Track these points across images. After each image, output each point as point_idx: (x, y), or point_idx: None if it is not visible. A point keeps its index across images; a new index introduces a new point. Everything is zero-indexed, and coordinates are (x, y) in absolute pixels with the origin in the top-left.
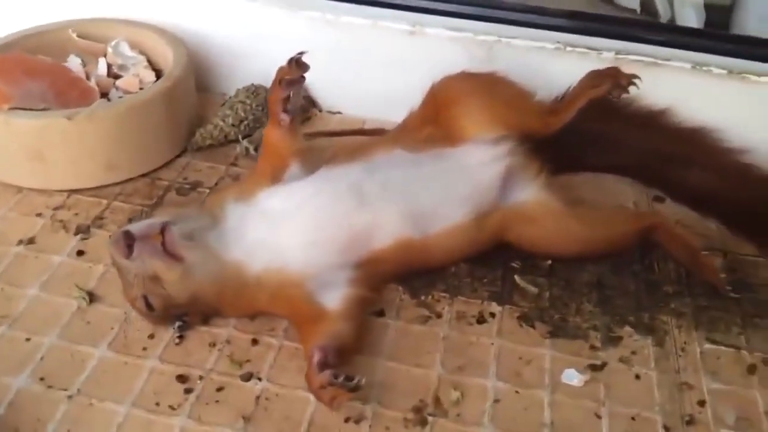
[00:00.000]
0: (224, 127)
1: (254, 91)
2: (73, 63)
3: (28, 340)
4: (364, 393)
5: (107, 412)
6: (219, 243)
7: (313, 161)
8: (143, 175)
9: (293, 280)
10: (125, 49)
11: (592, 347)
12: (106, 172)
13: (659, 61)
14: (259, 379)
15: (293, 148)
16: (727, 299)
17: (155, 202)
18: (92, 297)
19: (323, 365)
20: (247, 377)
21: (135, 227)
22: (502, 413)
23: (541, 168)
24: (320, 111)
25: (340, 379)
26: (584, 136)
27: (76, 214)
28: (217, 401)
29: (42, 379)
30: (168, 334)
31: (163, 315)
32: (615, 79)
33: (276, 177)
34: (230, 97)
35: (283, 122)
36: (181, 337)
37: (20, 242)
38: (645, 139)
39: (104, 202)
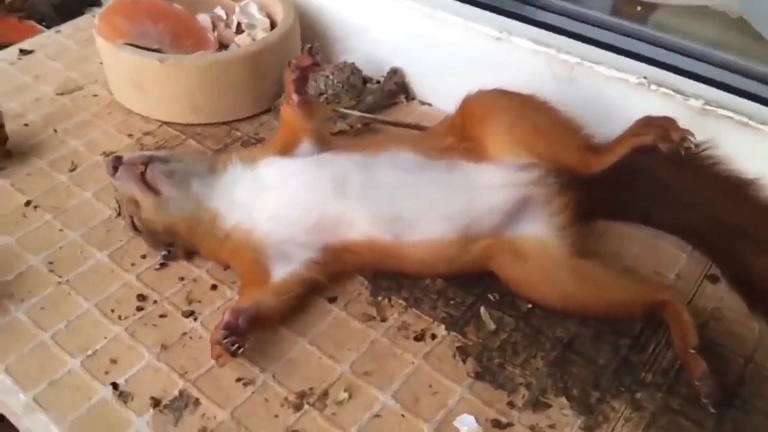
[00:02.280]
0: None
1: (341, 68)
2: (203, 18)
3: (60, 230)
4: (267, 363)
5: (75, 304)
6: (204, 190)
7: (326, 143)
8: (224, 123)
9: (254, 244)
10: (254, 9)
11: (510, 403)
12: (191, 113)
13: (754, 124)
14: (195, 320)
15: (305, 127)
16: (708, 412)
17: (220, 147)
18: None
19: (228, 325)
20: (188, 314)
21: (128, 155)
22: (374, 429)
23: (566, 206)
24: (410, 99)
25: (227, 341)
26: (649, 183)
27: (157, 142)
28: (154, 325)
29: (51, 263)
30: (156, 259)
31: (152, 240)
32: (664, 131)
33: (285, 151)
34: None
35: (292, 101)
36: (163, 264)
37: (103, 153)
38: (722, 207)
39: (182, 137)
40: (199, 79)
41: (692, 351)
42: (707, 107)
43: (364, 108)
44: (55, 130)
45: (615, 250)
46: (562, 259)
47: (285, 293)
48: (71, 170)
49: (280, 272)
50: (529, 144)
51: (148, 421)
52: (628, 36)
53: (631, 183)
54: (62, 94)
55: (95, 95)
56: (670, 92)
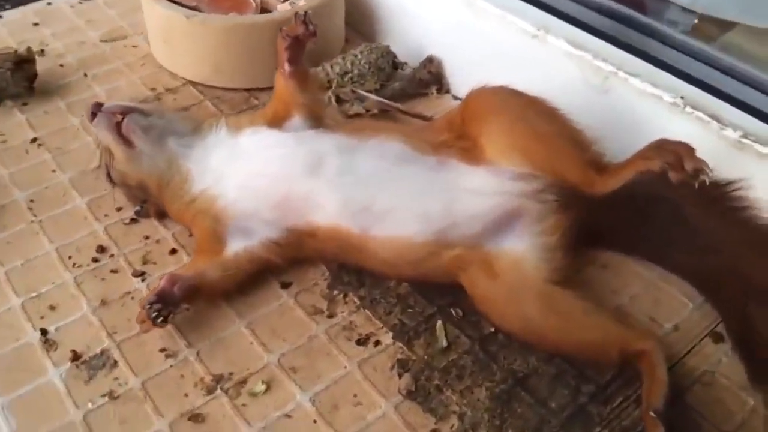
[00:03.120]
0: (330, 73)
1: (371, 49)
2: None
3: (53, 171)
4: (196, 338)
5: (38, 245)
6: (180, 150)
7: (318, 120)
8: (246, 90)
9: (216, 212)
10: None
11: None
12: (213, 74)
13: None
14: (143, 281)
15: (297, 100)
16: None
17: (234, 113)
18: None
19: (162, 291)
20: (138, 274)
21: (110, 102)
22: (282, 428)
23: (560, 228)
24: (442, 92)
25: (152, 309)
26: (671, 217)
27: (175, 99)
28: (103, 279)
29: (32, 201)
30: (129, 213)
31: (127, 193)
32: (677, 158)
33: (275, 122)
34: (353, 50)
35: (283, 71)
36: (134, 219)
37: None
38: (746, 259)
39: (201, 98)
40: (223, 39)
41: (652, 414)
42: (744, 140)
43: (389, 94)
44: (85, 74)
45: (612, 286)
46: (533, 281)
47: (232, 269)
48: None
49: (235, 247)
50: (528, 151)
51: (62, 373)
52: (674, 48)
53: (649, 214)
54: (105, 41)
55: (135, 46)
56: (706, 117)
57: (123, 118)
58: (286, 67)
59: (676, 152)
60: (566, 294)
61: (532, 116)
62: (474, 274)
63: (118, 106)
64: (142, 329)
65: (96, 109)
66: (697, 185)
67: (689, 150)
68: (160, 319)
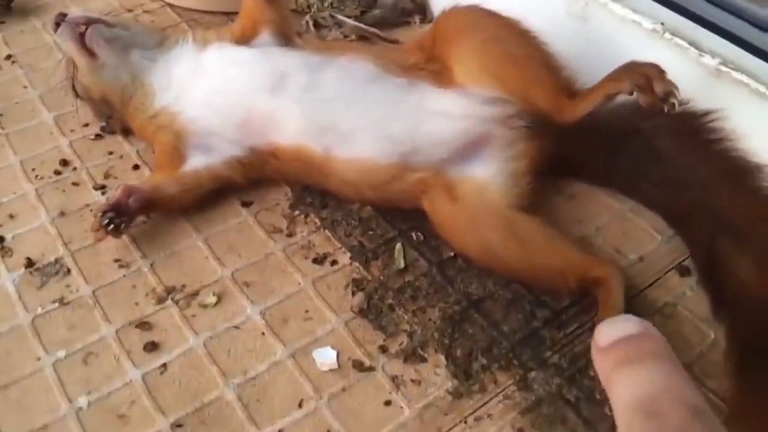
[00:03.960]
0: None
1: None
2: None
3: (24, 87)
4: (151, 250)
5: (3, 156)
6: (144, 63)
7: (288, 39)
8: (225, 13)
9: (178, 128)
10: None
11: (382, 347)
12: None
13: None
14: (103, 194)
15: (265, 15)
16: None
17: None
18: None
19: (116, 202)
20: (99, 187)
21: (74, 13)
22: (224, 341)
23: (528, 154)
24: (426, 22)
25: (104, 216)
26: (643, 149)
27: (152, 20)
28: (63, 191)
29: (1, 115)
30: (95, 129)
31: (93, 108)
32: (646, 81)
33: (243, 39)
34: None
35: None
36: (99, 135)
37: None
38: (717, 191)
39: (178, 20)
40: None
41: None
42: (722, 68)
43: (369, 21)
44: None
45: (579, 216)
46: (497, 205)
47: (190, 184)
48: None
49: (195, 163)
50: (498, 73)
51: (15, 279)
52: None
53: (620, 145)
54: None
55: None
56: (685, 44)
57: (87, 29)
58: None
59: (645, 74)
60: (529, 220)
61: (505, 37)
62: (435, 198)
63: (83, 16)
64: (95, 238)
65: (60, 19)
66: (666, 110)
67: (659, 72)
68: (112, 226)
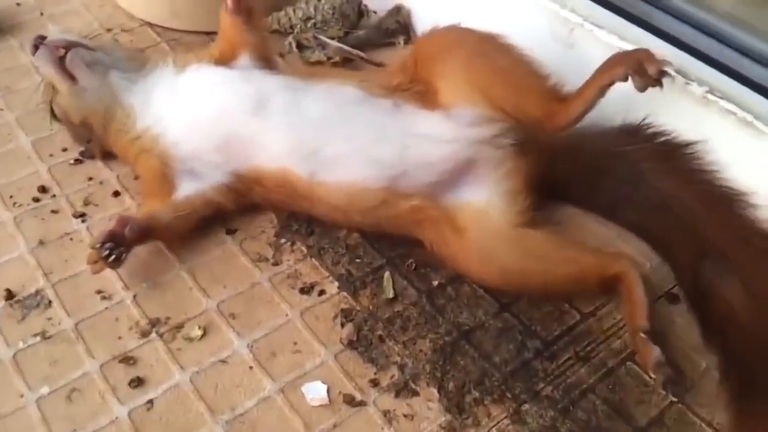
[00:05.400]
0: (292, 18)
1: None
2: None
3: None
4: (134, 281)
5: None
6: (123, 85)
7: (268, 61)
8: (206, 33)
9: (161, 152)
10: None
11: (374, 381)
12: (171, 17)
13: (759, 125)
14: (84, 222)
15: (244, 38)
16: None
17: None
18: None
19: (112, 233)
20: (79, 215)
21: (53, 36)
22: (211, 376)
23: (519, 172)
24: (408, 42)
25: (105, 249)
26: (627, 171)
27: (131, 40)
28: (42, 219)
29: None
30: (74, 154)
31: (72, 132)
32: (638, 64)
33: (222, 61)
34: None
35: (227, 6)
36: (78, 160)
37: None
38: (700, 217)
39: (157, 40)
40: None
41: (643, 335)
42: (710, 96)
43: (353, 42)
44: (42, 13)
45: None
46: (503, 229)
47: (183, 211)
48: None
49: (186, 189)
50: (486, 88)
51: None
52: (644, 0)
53: (605, 168)
54: None
55: None
56: (671, 72)
57: (66, 53)
58: (229, 1)
59: (636, 59)
60: (536, 235)
61: (488, 51)
62: (439, 233)
63: (62, 40)
64: (93, 270)
65: (38, 42)
66: (662, 88)
67: (648, 54)
68: (112, 258)
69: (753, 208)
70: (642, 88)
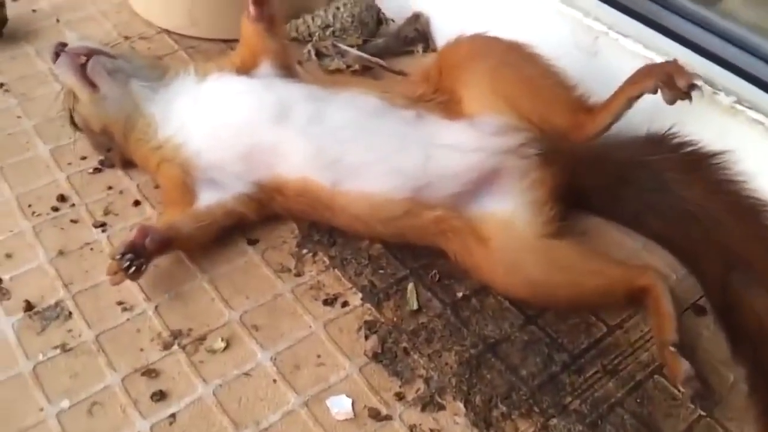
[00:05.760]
0: (311, 26)
1: (355, 2)
2: None
3: (18, 117)
4: (155, 292)
5: (1, 191)
6: (145, 94)
7: (290, 69)
8: (224, 41)
9: (183, 161)
10: None
11: (399, 395)
12: (189, 25)
13: None
14: (104, 231)
15: (265, 46)
16: None
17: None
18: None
19: (133, 244)
20: (99, 225)
21: (75, 44)
22: (234, 389)
23: (544, 182)
24: (429, 50)
25: (125, 260)
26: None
27: (149, 48)
28: (62, 229)
29: None
30: (94, 163)
31: (92, 140)
32: (668, 77)
33: (243, 69)
34: (336, 2)
35: (249, 14)
36: (98, 169)
37: None
38: (728, 228)
39: (175, 47)
40: None
41: (672, 349)
42: (738, 106)
43: (372, 50)
44: (58, 20)
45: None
46: (529, 240)
47: (205, 221)
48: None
49: (208, 199)
50: (512, 97)
51: (14, 323)
52: (667, 9)
53: (630, 178)
54: None
55: None
56: (699, 82)
57: (88, 60)
58: (251, 9)
59: (666, 71)
60: (562, 246)
61: (515, 60)
62: (464, 244)
63: (84, 47)
64: (112, 282)
65: (59, 50)
66: (690, 102)
67: (678, 67)
68: (133, 269)
69: None
70: (671, 101)
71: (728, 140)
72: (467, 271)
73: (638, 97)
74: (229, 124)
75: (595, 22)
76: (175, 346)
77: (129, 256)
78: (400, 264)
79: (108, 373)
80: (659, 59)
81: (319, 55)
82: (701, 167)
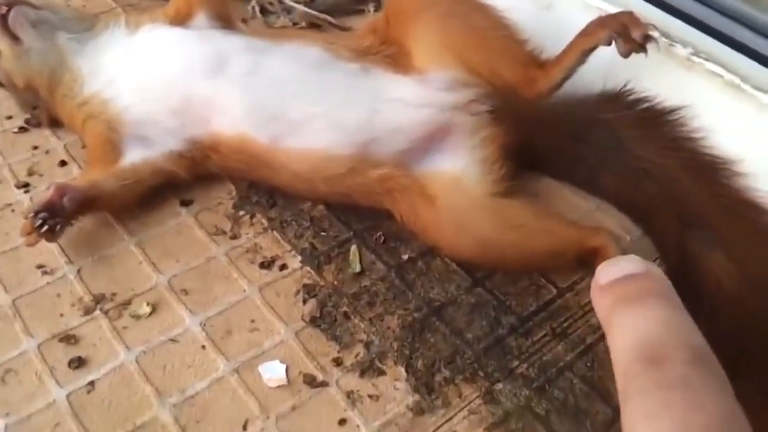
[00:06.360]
0: None
1: None
2: None
3: None
4: (79, 255)
5: None
6: (72, 46)
7: (227, 21)
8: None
9: (110, 117)
10: None
11: (337, 360)
12: None
13: (747, 88)
14: (27, 192)
15: None
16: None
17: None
18: None
19: (49, 203)
20: (22, 185)
21: None
22: (159, 356)
23: (495, 139)
24: (378, 9)
25: (36, 217)
26: (606, 139)
27: (84, 5)
28: None
29: None
30: (20, 122)
31: (17, 97)
32: (623, 28)
33: (178, 20)
34: None
35: None
36: (23, 128)
37: None
38: (685, 185)
39: (113, 5)
40: None
41: None
42: (695, 58)
43: (321, 7)
44: None
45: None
46: (478, 198)
47: (131, 180)
48: None
49: (133, 156)
50: (462, 51)
51: None
52: None
53: (583, 137)
54: None
55: None
56: (655, 33)
57: (9, 11)
58: None
59: (620, 22)
60: (513, 204)
61: (464, 11)
62: (411, 203)
63: None
64: (26, 242)
65: None
66: (647, 54)
67: (633, 18)
68: (46, 229)
69: (740, 176)
70: (626, 54)
71: (685, 94)
72: (414, 232)
73: (592, 49)
74: (161, 76)
75: None
76: (97, 311)
77: (43, 214)
78: (343, 226)
79: (24, 339)
80: (613, 11)
81: (264, 12)
82: (657, 124)
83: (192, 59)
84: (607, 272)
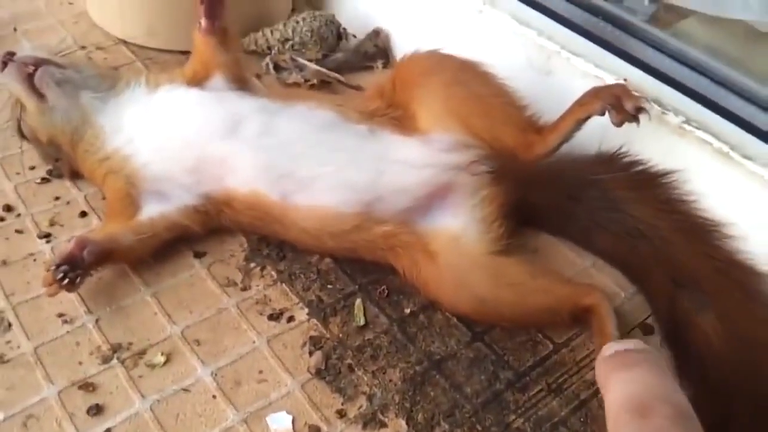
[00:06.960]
0: (270, 39)
1: (315, 17)
2: None
3: None
4: (97, 305)
5: None
6: (94, 104)
7: (242, 82)
8: (182, 52)
9: (129, 173)
10: None
11: (340, 412)
12: (147, 36)
13: (735, 156)
14: (48, 242)
15: (217, 59)
16: None
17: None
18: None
19: (69, 255)
20: (44, 236)
21: (23, 53)
22: (173, 405)
23: (494, 199)
24: (389, 66)
25: (58, 270)
26: (601, 199)
27: (105, 58)
28: (6, 238)
29: None
30: (42, 173)
31: (40, 151)
32: (615, 99)
33: (195, 81)
34: (295, 16)
35: (201, 27)
36: (45, 179)
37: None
38: (676, 246)
39: (132, 58)
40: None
41: None
42: (686, 126)
43: (331, 64)
44: (15, 29)
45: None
46: (477, 256)
47: (148, 234)
48: None
49: (151, 211)
50: (464, 116)
51: None
52: (619, 29)
53: (579, 196)
54: None
55: (71, 3)
56: (648, 107)
57: (36, 70)
58: (203, 22)
59: (614, 94)
60: (510, 263)
61: (467, 78)
62: (413, 259)
63: (32, 57)
64: (47, 293)
65: (7, 59)
66: (638, 125)
67: (626, 90)
68: (66, 281)
69: (730, 239)
70: (618, 124)
71: (677, 160)
72: (416, 287)
73: (586, 119)
74: (179, 136)
75: (547, 42)
76: (114, 360)
77: (64, 267)
78: (349, 279)
79: (45, 386)
80: (610, 78)
81: (278, 68)
82: (651, 186)
83: (209, 121)
84: (610, 347)
